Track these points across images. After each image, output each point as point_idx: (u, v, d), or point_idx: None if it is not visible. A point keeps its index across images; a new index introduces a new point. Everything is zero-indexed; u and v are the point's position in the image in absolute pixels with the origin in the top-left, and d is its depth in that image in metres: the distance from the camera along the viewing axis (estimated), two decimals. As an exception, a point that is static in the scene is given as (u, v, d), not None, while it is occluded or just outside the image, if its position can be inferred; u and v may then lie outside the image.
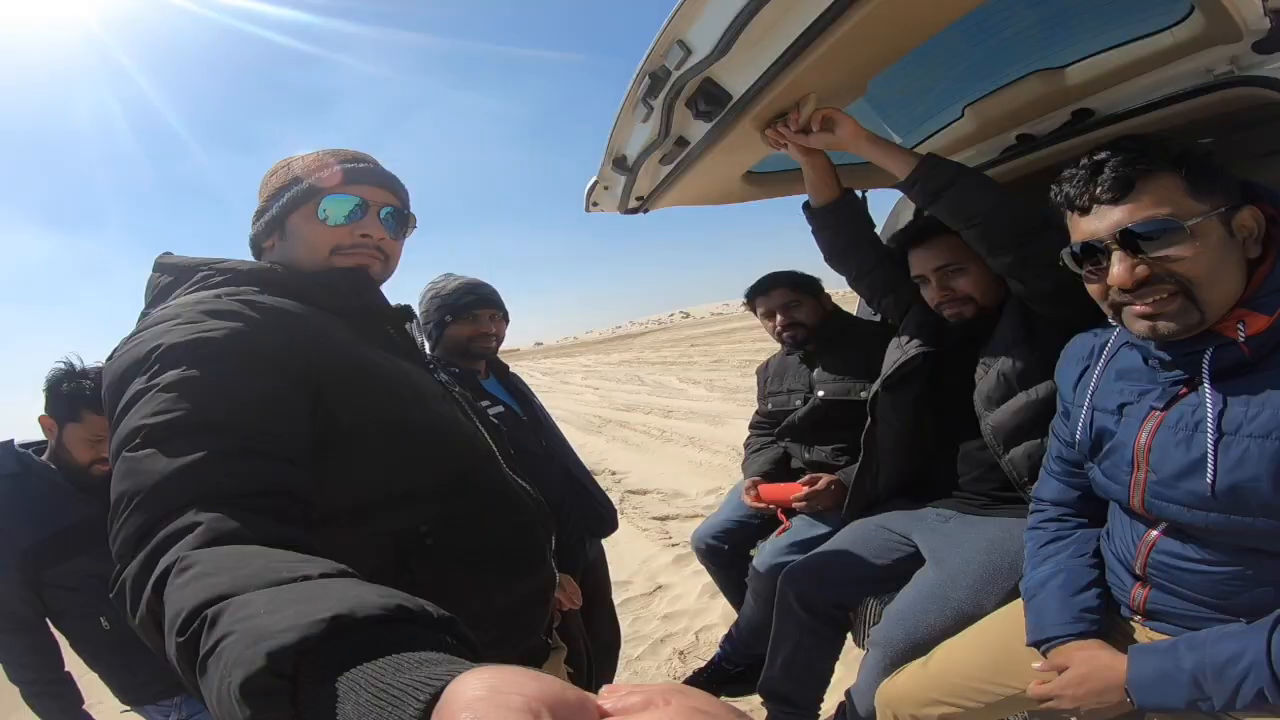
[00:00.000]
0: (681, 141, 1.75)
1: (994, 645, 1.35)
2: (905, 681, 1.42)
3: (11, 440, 1.85)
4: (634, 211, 2.42)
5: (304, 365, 0.91)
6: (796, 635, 1.84)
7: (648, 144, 1.79)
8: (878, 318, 2.21)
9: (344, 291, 1.10)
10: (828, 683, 1.88)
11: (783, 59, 1.26)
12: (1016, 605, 1.37)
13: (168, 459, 0.74)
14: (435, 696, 0.38)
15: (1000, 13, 1.53)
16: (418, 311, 2.12)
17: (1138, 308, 1.04)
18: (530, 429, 2.09)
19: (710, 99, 1.46)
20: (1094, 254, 1.06)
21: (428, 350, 2.09)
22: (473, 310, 2.06)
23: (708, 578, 2.82)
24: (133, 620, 0.68)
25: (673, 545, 4.29)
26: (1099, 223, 1.04)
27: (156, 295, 1.03)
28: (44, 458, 1.82)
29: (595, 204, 2.41)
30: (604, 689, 0.40)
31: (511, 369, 2.32)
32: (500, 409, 2.00)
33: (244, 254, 1.17)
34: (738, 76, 1.38)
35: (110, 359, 0.88)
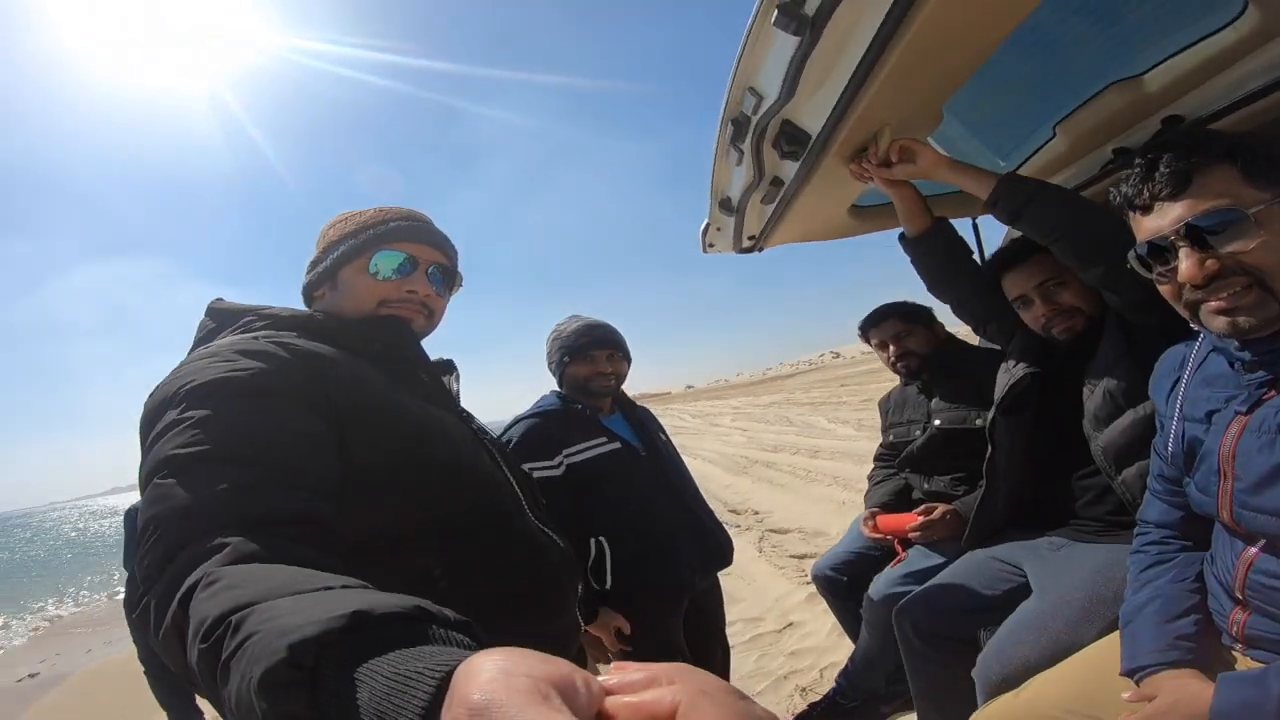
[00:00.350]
0: (777, 181, 1.83)
1: (1088, 675, 1.29)
2: (994, 713, 1.38)
3: None
4: (749, 250, 2.51)
5: (329, 404, 0.94)
6: (929, 670, 1.81)
7: (746, 185, 1.89)
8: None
9: (380, 338, 1.15)
10: None
11: (846, 94, 1.32)
12: (1116, 634, 1.31)
13: (195, 487, 0.76)
14: (447, 678, 0.40)
15: (1060, 28, 1.53)
16: (544, 353, 2.28)
17: (1213, 303, 1.01)
18: (649, 463, 2.15)
19: (791, 139, 1.54)
20: (1161, 254, 1.05)
21: (561, 385, 2.21)
22: (589, 351, 2.13)
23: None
24: (155, 637, 0.68)
25: (807, 583, 4.24)
26: (1161, 220, 1.03)
27: (201, 338, 1.08)
28: None
29: (711, 245, 2.53)
30: (611, 666, 0.41)
31: (644, 405, 2.40)
32: (616, 445, 2.08)
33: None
34: (811, 116, 1.46)
35: (151, 394, 0.90)
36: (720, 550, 2.19)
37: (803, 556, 4.95)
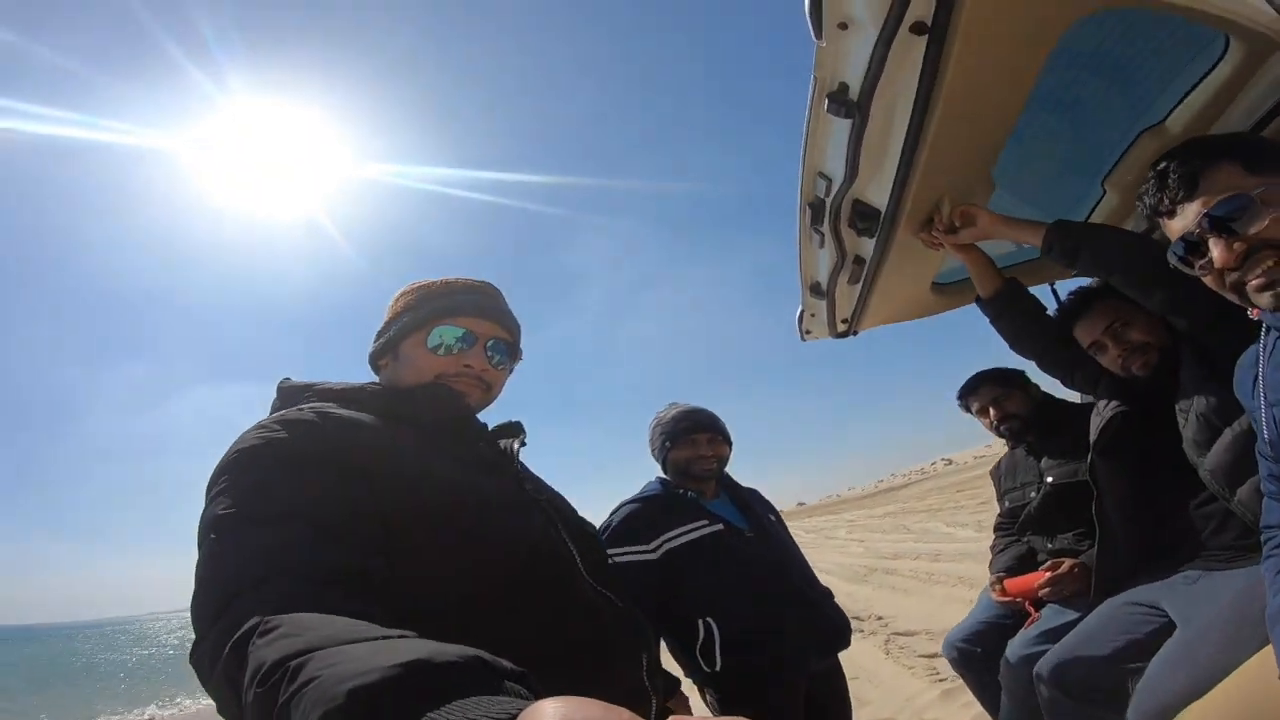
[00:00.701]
0: (859, 260, 1.96)
1: (1246, 692, 1.26)
2: None
3: None
4: (844, 335, 2.58)
5: (364, 468, 0.97)
6: None
7: (833, 267, 2.03)
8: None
9: (421, 403, 1.17)
10: None
11: (902, 167, 1.46)
12: (1267, 649, 1.29)
13: (244, 544, 0.80)
14: None
15: (1079, 90, 1.66)
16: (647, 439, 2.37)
17: (1253, 281, 1.11)
18: (755, 544, 2.13)
19: (864, 216, 1.70)
20: (1196, 249, 1.16)
21: (664, 471, 2.26)
22: (689, 435, 2.20)
23: (978, 708, 2.65)
24: (208, 682, 0.70)
25: (940, 680, 4.04)
26: (1185, 219, 1.16)
27: (269, 412, 1.13)
28: None
29: (808, 332, 2.63)
30: (669, 718, 0.43)
31: (747, 485, 2.40)
32: (717, 527, 2.08)
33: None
34: (877, 191, 1.60)
35: None
36: (834, 630, 2.14)
37: (932, 656, 4.70)
